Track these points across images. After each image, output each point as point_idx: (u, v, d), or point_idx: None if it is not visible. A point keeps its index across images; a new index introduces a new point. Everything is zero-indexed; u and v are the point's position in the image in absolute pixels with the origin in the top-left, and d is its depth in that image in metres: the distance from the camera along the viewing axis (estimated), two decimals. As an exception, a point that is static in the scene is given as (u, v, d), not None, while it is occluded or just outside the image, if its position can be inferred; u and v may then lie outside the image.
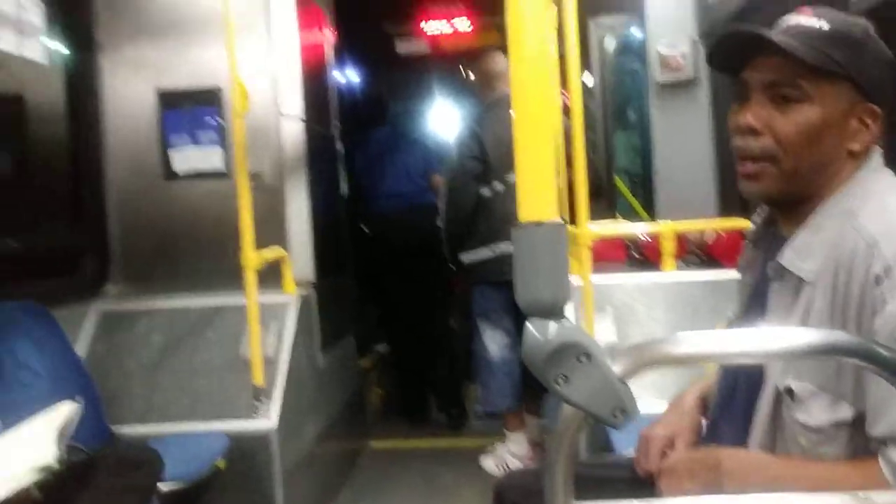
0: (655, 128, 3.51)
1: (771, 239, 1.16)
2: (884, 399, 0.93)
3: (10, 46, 2.69)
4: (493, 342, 3.42)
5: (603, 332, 2.49)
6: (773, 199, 1.13)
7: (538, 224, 0.72)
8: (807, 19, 1.05)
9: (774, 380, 1.05)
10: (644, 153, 4.16)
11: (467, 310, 3.73)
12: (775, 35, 1.05)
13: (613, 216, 4.24)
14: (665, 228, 2.74)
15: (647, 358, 0.71)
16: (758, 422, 1.09)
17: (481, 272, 3.35)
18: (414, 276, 4.20)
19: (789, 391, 1.02)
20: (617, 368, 0.71)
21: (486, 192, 3.31)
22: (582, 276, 2.40)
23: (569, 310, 2.72)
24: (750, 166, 1.08)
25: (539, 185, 0.73)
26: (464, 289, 3.87)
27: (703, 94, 3.42)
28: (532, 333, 0.72)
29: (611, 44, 4.42)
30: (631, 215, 4.39)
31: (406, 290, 4.27)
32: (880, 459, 0.96)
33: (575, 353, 0.71)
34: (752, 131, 1.06)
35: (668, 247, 2.70)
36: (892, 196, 1.04)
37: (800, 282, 1.05)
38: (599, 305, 2.59)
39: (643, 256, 3.09)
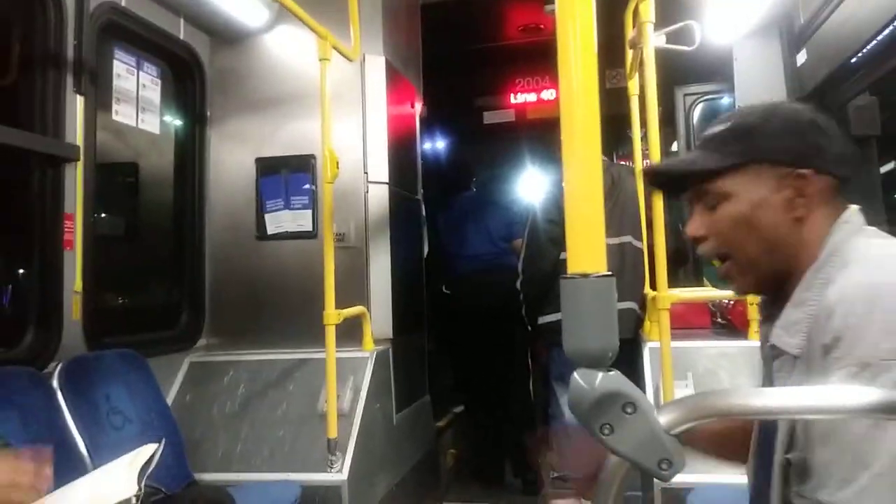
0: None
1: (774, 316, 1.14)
2: (846, 468, 0.89)
3: (130, 120, 2.99)
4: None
5: (683, 399, 2.41)
6: (753, 290, 1.16)
7: (585, 276, 0.74)
8: (714, 126, 1.13)
9: (778, 455, 1.01)
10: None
11: (546, 373, 3.69)
12: (664, 163, 1.26)
13: (700, 282, 4.13)
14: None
15: (693, 410, 0.71)
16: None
17: (558, 334, 3.31)
18: (492, 338, 4.20)
19: (788, 462, 0.98)
20: (663, 420, 0.71)
21: (564, 255, 3.32)
22: (661, 340, 2.35)
23: (648, 374, 2.67)
24: (719, 270, 1.14)
25: (587, 238, 0.75)
26: (542, 352, 3.84)
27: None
28: (578, 383, 0.73)
29: (698, 111, 4.41)
30: (720, 282, 4.26)
31: (484, 351, 4.27)
32: None
33: (620, 402, 0.72)
34: (698, 239, 1.13)
35: (755, 312, 2.61)
36: (860, 262, 1.01)
37: (794, 357, 1.03)
38: (680, 371, 2.53)
39: (729, 322, 3.00)
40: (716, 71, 3.99)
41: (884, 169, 3.59)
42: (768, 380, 1.15)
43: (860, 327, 0.91)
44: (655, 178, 1.28)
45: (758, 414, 0.73)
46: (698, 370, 2.63)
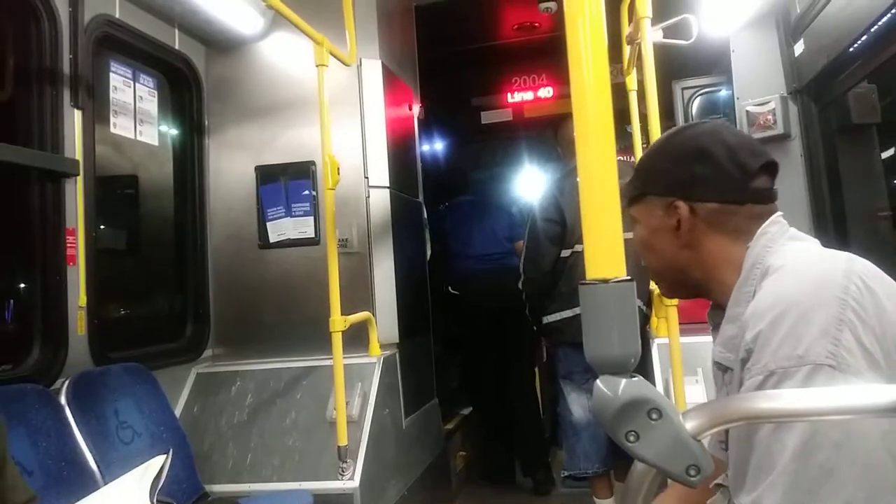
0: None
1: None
2: (756, 468, 0.92)
3: (128, 133, 2.98)
4: (578, 404, 3.35)
5: (693, 395, 2.40)
6: (669, 296, 1.37)
7: (605, 281, 0.73)
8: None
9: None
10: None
11: (553, 372, 3.68)
12: None
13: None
14: (756, 289, 2.64)
15: (719, 415, 0.70)
16: None
17: (564, 333, 3.32)
18: (500, 337, 4.21)
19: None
20: (689, 426, 0.70)
21: (565, 253, 3.32)
22: (669, 337, 2.34)
23: (657, 370, 2.66)
24: None
25: (606, 243, 0.74)
26: (548, 351, 3.83)
27: (797, 149, 3.34)
28: (602, 390, 0.72)
29: (697, 105, 4.39)
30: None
31: (492, 351, 4.28)
32: None
33: (645, 409, 0.71)
34: None
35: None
36: (773, 274, 1.05)
37: (733, 371, 1.07)
38: (690, 367, 2.51)
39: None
40: (713, 63, 3.98)
41: (885, 155, 3.59)
42: (721, 392, 1.19)
43: (766, 338, 0.94)
44: None
45: (781, 417, 0.72)
46: (707, 365, 2.60)
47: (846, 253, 1.06)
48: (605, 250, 0.74)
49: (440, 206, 4.66)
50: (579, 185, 0.76)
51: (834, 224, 3.27)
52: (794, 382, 0.89)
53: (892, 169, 3.71)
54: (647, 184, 1.21)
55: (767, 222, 1.13)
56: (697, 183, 1.14)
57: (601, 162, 0.75)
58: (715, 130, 1.18)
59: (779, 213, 1.16)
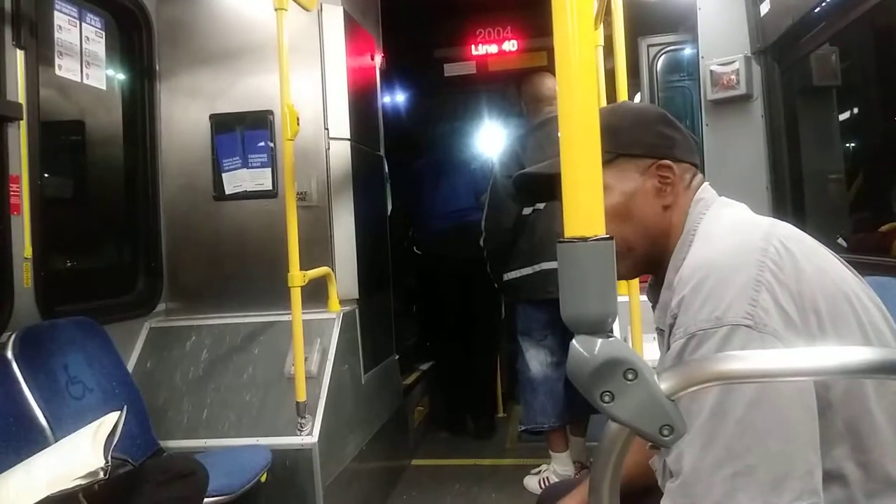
0: (707, 144, 3.46)
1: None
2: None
3: (74, 76, 2.82)
4: (536, 360, 3.38)
5: (651, 352, 2.44)
6: (632, 274, 1.25)
7: (584, 239, 0.70)
8: None
9: None
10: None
11: (511, 329, 3.72)
12: (537, 168, 1.25)
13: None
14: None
15: (695, 376, 0.69)
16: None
17: (523, 290, 3.33)
18: (466, 294, 4.23)
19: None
20: (664, 386, 0.69)
21: (527, 211, 3.31)
22: (630, 295, 2.36)
23: (616, 328, 2.70)
24: None
25: (586, 200, 0.71)
26: (508, 308, 3.87)
27: (758, 110, 3.36)
28: (577, 350, 0.71)
29: (662, 63, 4.39)
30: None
31: (458, 306, 4.31)
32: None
33: (621, 369, 0.69)
34: None
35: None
36: (701, 241, 1.09)
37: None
38: (648, 325, 2.54)
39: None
40: (679, 21, 3.96)
41: (842, 117, 3.65)
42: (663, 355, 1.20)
43: (688, 302, 0.97)
44: (526, 185, 1.35)
45: (756, 377, 0.72)
46: (666, 323, 2.66)
47: (770, 218, 1.09)
48: (584, 207, 0.71)
49: (416, 161, 4.59)
50: (560, 140, 0.73)
51: (791, 186, 3.32)
52: (713, 343, 0.92)
53: (848, 132, 3.78)
54: (620, 146, 1.14)
55: (701, 188, 1.18)
56: (674, 143, 1.18)
57: (583, 116, 0.72)
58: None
59: (707, 183, 1.21)
